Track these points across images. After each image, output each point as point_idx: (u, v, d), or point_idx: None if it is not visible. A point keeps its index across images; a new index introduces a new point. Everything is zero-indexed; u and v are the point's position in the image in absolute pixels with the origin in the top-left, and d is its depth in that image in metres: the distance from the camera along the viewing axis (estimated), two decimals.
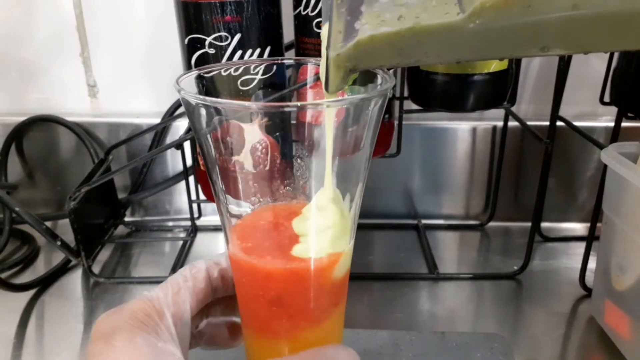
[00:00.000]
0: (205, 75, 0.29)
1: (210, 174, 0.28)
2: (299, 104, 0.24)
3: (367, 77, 0.27)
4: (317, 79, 0.30)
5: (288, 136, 0.28)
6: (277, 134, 0.28)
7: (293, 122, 0.26)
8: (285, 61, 0.33)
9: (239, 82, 0.34)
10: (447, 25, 0.18)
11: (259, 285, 0.27)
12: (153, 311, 0.26)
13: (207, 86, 0.30)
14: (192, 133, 0.39)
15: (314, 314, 0.28)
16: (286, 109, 0.24)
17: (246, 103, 0.24)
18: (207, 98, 0.24)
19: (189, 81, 0.28)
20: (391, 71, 0.49)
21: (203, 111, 0.25)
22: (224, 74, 0.31)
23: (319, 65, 0.29)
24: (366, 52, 0.21)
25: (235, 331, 0.32)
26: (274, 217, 0.29)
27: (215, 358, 0.35)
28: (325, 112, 0.24)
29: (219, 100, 0.24)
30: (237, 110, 0.25)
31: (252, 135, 0.27)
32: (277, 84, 0.37)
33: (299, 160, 0.29)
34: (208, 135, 0.26)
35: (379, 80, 0.27)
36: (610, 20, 0.16)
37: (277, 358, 0.27)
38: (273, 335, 0.29)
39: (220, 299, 0.31)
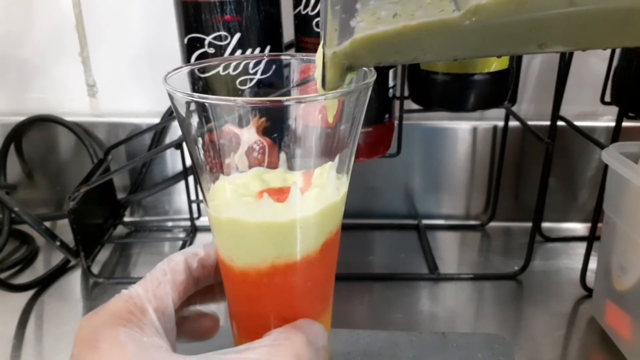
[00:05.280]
0: (202, 75, 0.29)
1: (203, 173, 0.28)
2: (284, 99, 0.23)
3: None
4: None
5: (283, 135, 0.28)
6: (273, 134, 0.27)
7: (289, 121, 0.25)
8: (282, 57, 0.33)
9: (237, 82, 0.34)
10: (443, 23, 0.18)
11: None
12: (134, 308, 0.26)
13: (203, 86, 0.30)
14: None
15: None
16: (277, 105, 0.24)
17: (231, 98, 0.24)
18: (196, 94, 0.23)
19: (181, 79, 0.27)
20: (391, 71, 0.50)
21: (193, 110, 0.25)
22: (222, 73, 0.31)
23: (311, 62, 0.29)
24: (363, 50, 0.21)
25: (210, 322, 0.32)
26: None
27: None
28: (322, 105, 0.24)
29: (208, 96, 0.23)
30: (228, 107, 0.24)
31: (248, 136, 0.27)
32: (276, 84, 0.36)
33: (291, 159, 0.29)
34: (204, 135, 0.26)
35: (362, 74, 0.27)
36: (607, 17, 0.16)
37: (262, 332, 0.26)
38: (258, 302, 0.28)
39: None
